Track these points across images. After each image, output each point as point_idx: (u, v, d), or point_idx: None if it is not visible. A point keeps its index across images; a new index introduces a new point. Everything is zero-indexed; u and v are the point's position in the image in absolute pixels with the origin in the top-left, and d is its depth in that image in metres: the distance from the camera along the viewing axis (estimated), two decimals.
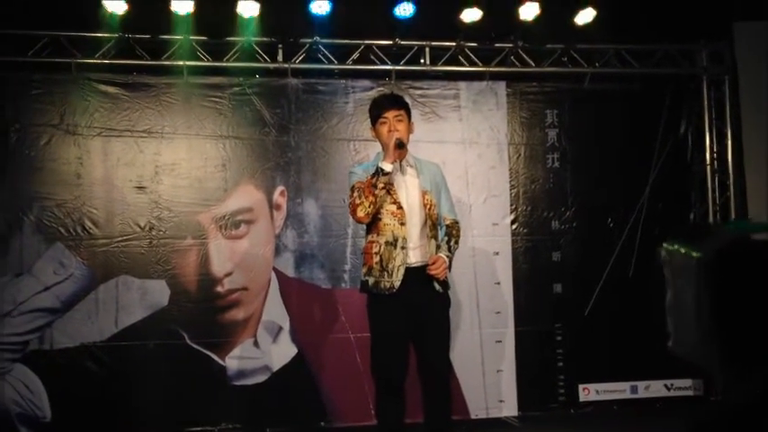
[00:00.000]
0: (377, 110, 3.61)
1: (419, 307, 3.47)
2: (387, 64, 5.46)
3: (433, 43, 5.50)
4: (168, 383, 5.03)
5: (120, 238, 5.14)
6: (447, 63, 5.54)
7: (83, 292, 5.06)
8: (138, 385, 5.02)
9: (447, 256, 3.55)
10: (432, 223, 3.56)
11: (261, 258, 5.27)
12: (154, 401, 4.98)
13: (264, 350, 5.23)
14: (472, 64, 5.57)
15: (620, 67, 5.71)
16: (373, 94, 5.40)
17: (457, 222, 3.73)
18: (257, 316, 5.25)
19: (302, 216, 5.35)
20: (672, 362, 5.59)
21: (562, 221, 5.65)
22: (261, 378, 5.20)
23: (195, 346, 5.14)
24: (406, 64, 5.50)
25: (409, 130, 3.61)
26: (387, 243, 3.46)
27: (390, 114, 3.55)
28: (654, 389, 5.63)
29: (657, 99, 5.75)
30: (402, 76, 5.51)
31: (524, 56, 5.60)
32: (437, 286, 3.51)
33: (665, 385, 5.65)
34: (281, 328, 5.26)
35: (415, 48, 5.49)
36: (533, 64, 5.62)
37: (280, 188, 5.33)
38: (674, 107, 5.79)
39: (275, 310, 5.27)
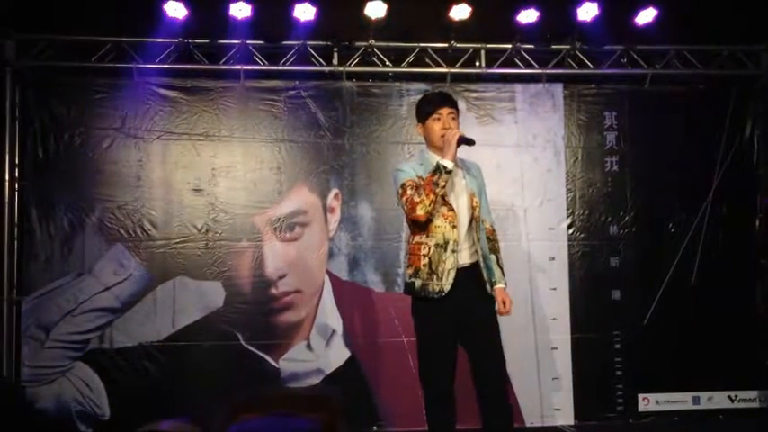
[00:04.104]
0: (429, 106, 3.51)
1: (468, 308, 3.37)
2: (442, 66, 5.43)
3: (489, 45, 5.45)
4: (223, 384, 5.06)
5: (177, 240, 5.23)
6: (503, 65, 5.47)
7: (141, 292, 5.16)
8: (193, 385, 5.09)
9: (505, 284, 3.51)
10: (476, 225, 3.47)
11: (314, 261, 5.29)
12: (209, 401, 5.02)
13: (318, 353, 5.24)
14: (528, 66, 5.49)
15: (682, 69, 5.55)
16: None
17: (494, 230, 3.63)
18: (311, 319, 5.27)
19: (356, 219, 5.36)
20: (736, 372, 5.43)
21: (621, 226, 5.52)
22: (314, 381, 5.21)
23: (249, 347, 5.19)
24: (461, 66, 5.45)
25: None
26: (437, 245, 3.36)
27: (444, 111, 3.46)
28: (717, 400, 5.44)
29: (721, 101, 5.58)
30: (457, 78, 5.47)
31: (582, 57, 5.49)
32: (489, 289, 3.44)
33: (729, 396, 5.45)
34: (334, 331, 5.26)
35: (471, 50, 5.45)
36: (591, 65, 5.51)
37: (334, 191, 5.35)
38: (739, 109, 5.60)
39: (329, 313, 5.28)
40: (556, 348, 5.37)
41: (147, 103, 5.26)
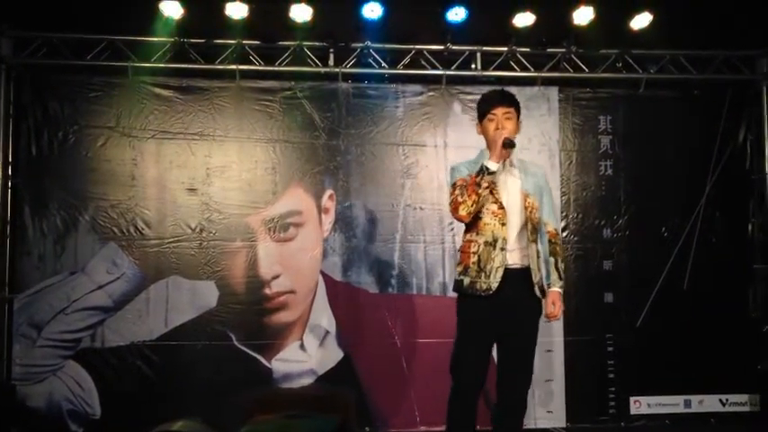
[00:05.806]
0: (485, 105, 3.46)
1: (513, 310, 3.34)
2: (438, 69, 5.43)
3: (485, 48, 5.46)
4: (215, 384, 5.06)
5: (171, 239, 5.21)
6: (498, 68, 5.48)
7: (134, 291, 5.15)
8: (185, 385, 5.08)
9: (561, 288, 3.46)
10: (533, 227, 3.42)
11: (309, 262, 5.29)
12: (201, 401, 5.02)
13: (311, 353, 5.23)
14: (524, 69, 5.50)
15: (676, 73, 5.57)
16: (423, 98, 5.44)
17: (558, 233, 3.57)
18: (304, 319, 5.27)
19: (350, 220, 5.36)
20: (727, 376, 5.44)
21: (614, 230, 5.54)
22: (306, 381, 5.20)
23: (242, 347, 5.18)
24: (457, 69, 5.46)
25: (517, 129, 3.46)
26: (486, 243, 3.33)
27: (499, 111, 3.40)
28: (708, 403, 5.46)
29: (715, 106, 5.61)
30: (453, 80, 5.48)
31: (578, 61, 5.52)
32: (538, 292, 3.40)
33: (720, 400, 5.47)
34: (327, 332, 5.26)
35: (467, 53, 5.46)
36: (587, 69, 5.54)
37: (328, 192, 5.35)
38: (733, 114, 5.64)
39: (322, 314, 5.28)
40: (549, 351, 5.37)
41: (141, 101, 5.25)
